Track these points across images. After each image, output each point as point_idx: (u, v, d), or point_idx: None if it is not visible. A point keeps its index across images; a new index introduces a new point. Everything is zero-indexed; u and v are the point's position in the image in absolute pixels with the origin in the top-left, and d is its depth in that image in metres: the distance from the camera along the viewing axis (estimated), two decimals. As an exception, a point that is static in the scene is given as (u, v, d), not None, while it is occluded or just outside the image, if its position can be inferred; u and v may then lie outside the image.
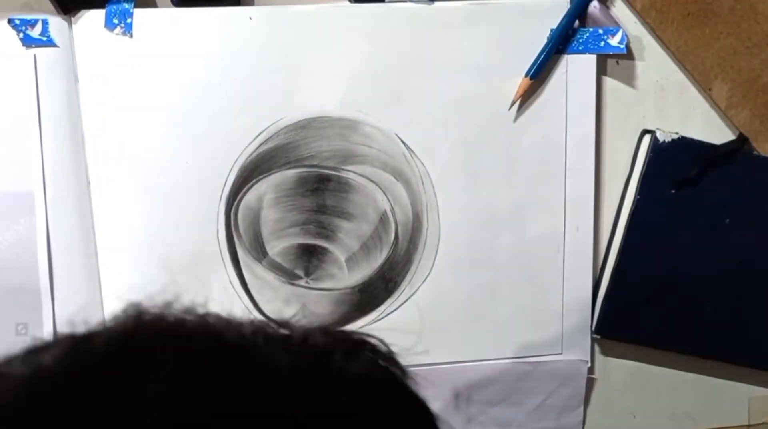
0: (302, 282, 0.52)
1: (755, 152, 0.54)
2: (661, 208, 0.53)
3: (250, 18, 0.49)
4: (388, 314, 0.53)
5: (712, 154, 0.53)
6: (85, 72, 0.48)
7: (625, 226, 0.54)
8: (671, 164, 0.53)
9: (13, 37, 0.48)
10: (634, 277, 0.54)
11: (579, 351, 0.55)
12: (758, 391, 0.59)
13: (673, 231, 0.54)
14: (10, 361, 0.20)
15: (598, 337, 0.55)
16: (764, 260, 0.55)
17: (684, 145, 0.53)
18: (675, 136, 0.53)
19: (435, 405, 0.23)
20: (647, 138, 0.53)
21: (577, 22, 0.51)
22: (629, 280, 0.54)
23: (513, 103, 0.51)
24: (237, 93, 0.49)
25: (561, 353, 0.55)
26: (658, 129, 0.53)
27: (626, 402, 0.58)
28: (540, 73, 0.51)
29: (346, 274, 0.52)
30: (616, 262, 0.54)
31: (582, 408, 0.56)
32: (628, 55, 0.53)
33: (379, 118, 0.51)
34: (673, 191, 0.53)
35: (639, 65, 0.53)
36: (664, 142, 0.53)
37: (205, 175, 0.50)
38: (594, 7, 0.51)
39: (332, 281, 0.52)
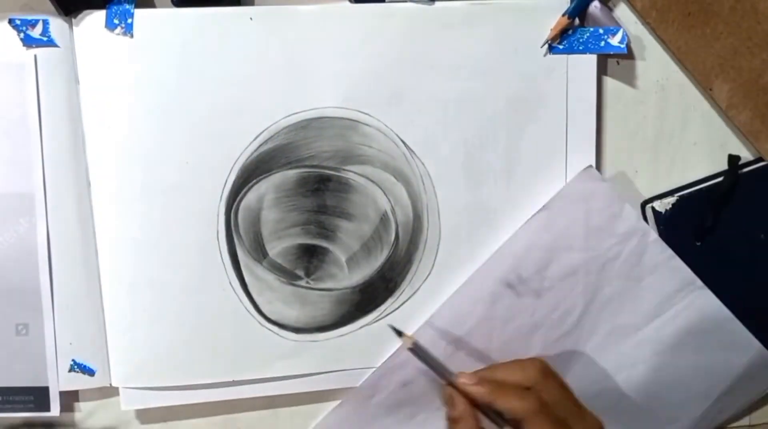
0: (302, 282, 0.52)
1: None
2: (692, 259, 0.54)
3: (251, 18, 0.49)
4: (388, 314, 0.53)
5: (716, 195, 0.53)
6: (86, 72, 0.48)
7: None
8: (682, 224, 0.53)
9: (13, 37, 0.48)
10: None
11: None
12: (760, 391, 0.59)
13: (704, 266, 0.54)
14: None
15: (600, 337, 0.55)
16: None
17: (685, 203, 0.53)
18: (673, 201, 0.53)
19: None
20: (649, 210, 0.54)
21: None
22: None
23: (546, 42, 0.51)
24: (237, 93, 0.49)
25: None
26: (655, 200, 0.53)
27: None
28: (578, 12, 0.50)
29: (346, 274, 0.52)
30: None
31: (627, 206, 0.52)
32: (629, 54, 0.53)
33: (380, 118, 0.51)
34: (698, 244, 0.54)
35: (639, 65, 0.53)
36: (666, 211, 0.53)
37: (205, 176, 0.50)
38: (595, 7, 0.51)
39: (333, 281, 0.52)
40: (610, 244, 0.52)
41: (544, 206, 0.52)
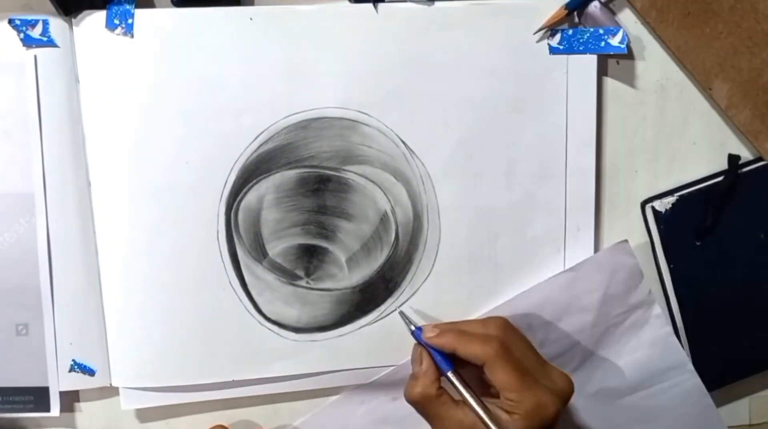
0: (302, 282, 0.52)
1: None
2: (692, 259, 0.54)
3: (251, 18, 0.49)
4: (388, 314, 0.53)
5: (716, 195, 0.53)
6: (86, 72, 0.48)
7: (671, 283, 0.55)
8: (682, 224, 0.53)
9: (13, 37, 0.48)
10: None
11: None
12: (759, 390, 0.59)
13: (706, 270, 0.55)
14: None
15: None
16: None
17: (685, 203, 0.53)
18: (673, 201, 0.53)
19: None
20: (648, 209, 0.54)
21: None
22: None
23: (539, 29, 0.50)
24: (237, 93, 0.49)
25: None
26: (654, 200, 0.53)
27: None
28: (576, 5, 0.50)
29: (346, 274, 0.52)
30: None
31: (645, 279, 0.53)
32: (629, 55, 0.53)
33: (380, 119, 0.51)
34: (698, 244, 0.54)
35: (639, 65, 0.53)
36: (666, 211, 0.53)
37: (205, 176, 0.50)
38: (595, 7, 0.51)
39: (333, 281, 0.52)
40: (619, 311, 0.54)
41: (572, 268, 0.53)
